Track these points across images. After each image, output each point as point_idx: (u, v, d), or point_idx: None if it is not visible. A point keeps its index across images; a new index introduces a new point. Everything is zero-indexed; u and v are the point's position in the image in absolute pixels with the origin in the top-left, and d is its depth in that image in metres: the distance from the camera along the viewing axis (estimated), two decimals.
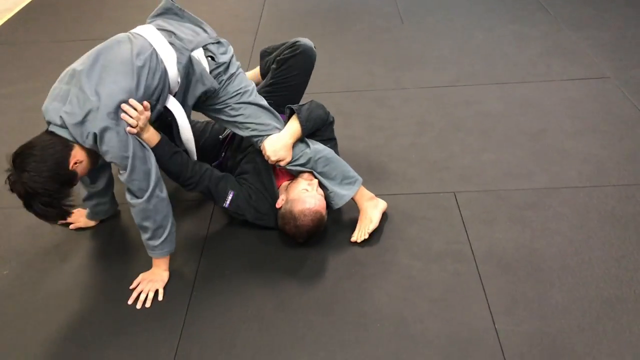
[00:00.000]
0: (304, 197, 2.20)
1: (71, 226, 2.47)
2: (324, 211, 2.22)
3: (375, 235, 2.31)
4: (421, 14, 4.26)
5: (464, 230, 2.32)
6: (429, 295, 2.06)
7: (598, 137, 2.80)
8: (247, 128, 2.23)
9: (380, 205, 2.38)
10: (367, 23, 4.18)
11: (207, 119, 2.47)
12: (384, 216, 2.38)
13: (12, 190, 1.91)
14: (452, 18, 4.16)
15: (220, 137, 2.57)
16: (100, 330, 2.04)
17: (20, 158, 1.90)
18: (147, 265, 2.21)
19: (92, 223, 2.48)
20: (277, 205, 2.28)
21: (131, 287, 2.17)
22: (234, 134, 2.49)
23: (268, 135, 2.22)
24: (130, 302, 2.12)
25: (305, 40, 2.45)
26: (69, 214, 2.00)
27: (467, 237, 2.29)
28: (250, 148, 2.39)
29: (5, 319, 2.11)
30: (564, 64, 3.46)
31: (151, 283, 2.15)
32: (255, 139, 2.25)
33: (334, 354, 1.89)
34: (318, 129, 2.36)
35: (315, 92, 2.67)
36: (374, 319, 2.00)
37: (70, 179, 1.97)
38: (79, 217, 2.46)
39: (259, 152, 2.31)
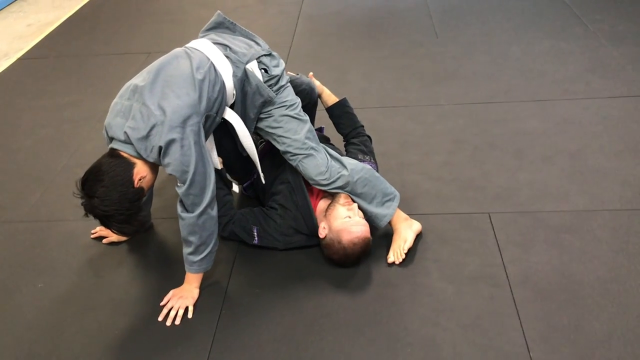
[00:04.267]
0: (349, 225, 2.17)
1: (104, 240, 2.50)
2: (370, 235, 2.21)
3: (407, 256, 2.27)
4: (456, 28, 4.21)
5: (499, 253, 2.27)
6: (461, 320, 2.02)
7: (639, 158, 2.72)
8: (284, 143, 2.22)
9: (415, 226, 2.34)
10: (401, 37, 4.15)
11: None
12: (417, 236, 2.35)
13: (87, 214, 1.98)
14: (488, 32, 4.11)
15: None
16: (130, 346, 2.04)
17: (88, 184, 1.96)
18: (179, 281, 2.21)
19: (124, 237, 2.49)
20: (321, 236, 2.25)
21: (162, 303, 2.17)
22: (264, 153, 2.49)
23: (303, 155, 2.21)
24: (160, 318, 2.12)
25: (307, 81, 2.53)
26: (143, 225, 2.07)
27: (501, 260, 2.23)
28: (282, 167, 2.38)
29: (37, 331, 2.13)
30: (604, 81, 3.37)
31: (181, 300, 2.15)
32: (290, 156, 2.24)
33: None
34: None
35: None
36: (405, 342, 1.96)
37: (138, 195, 2.01)
38: (112, 232, 2.48)
39: (292, 170, 2.30)
